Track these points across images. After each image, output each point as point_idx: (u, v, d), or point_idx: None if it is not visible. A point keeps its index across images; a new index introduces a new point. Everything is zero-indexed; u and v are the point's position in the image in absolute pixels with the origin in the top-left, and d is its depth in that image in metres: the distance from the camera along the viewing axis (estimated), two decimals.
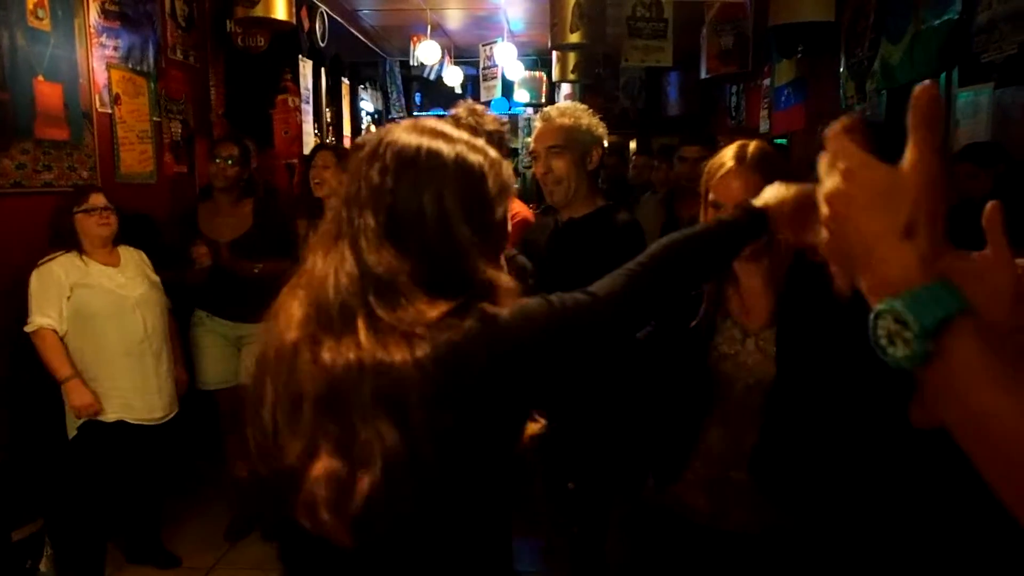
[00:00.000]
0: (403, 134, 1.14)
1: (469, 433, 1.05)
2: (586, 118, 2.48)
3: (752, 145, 1.68)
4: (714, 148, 1.95)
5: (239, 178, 3.69)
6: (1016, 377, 0.61)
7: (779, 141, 5.89)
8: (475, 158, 1.15)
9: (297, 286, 1.14)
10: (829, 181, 0.71)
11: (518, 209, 2.68)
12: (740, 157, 1.65)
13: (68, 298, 2.95)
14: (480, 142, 1.18)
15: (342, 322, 1.05)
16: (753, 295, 1.67)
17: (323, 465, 1.02)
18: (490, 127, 1.70)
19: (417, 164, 1.11)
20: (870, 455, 1.62)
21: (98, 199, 3.05)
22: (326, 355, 1.04)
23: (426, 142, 1.13)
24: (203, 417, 3.81)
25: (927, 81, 0.74)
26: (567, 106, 2.52)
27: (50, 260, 2.95)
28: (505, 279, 1.13)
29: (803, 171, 1.45)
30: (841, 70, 4.75)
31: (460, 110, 1.78)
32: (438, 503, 1.05)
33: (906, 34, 4.01)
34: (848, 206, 0.69)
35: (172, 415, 3.26)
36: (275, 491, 1.08)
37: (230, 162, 3.64)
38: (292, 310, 1.11)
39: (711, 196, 1.66)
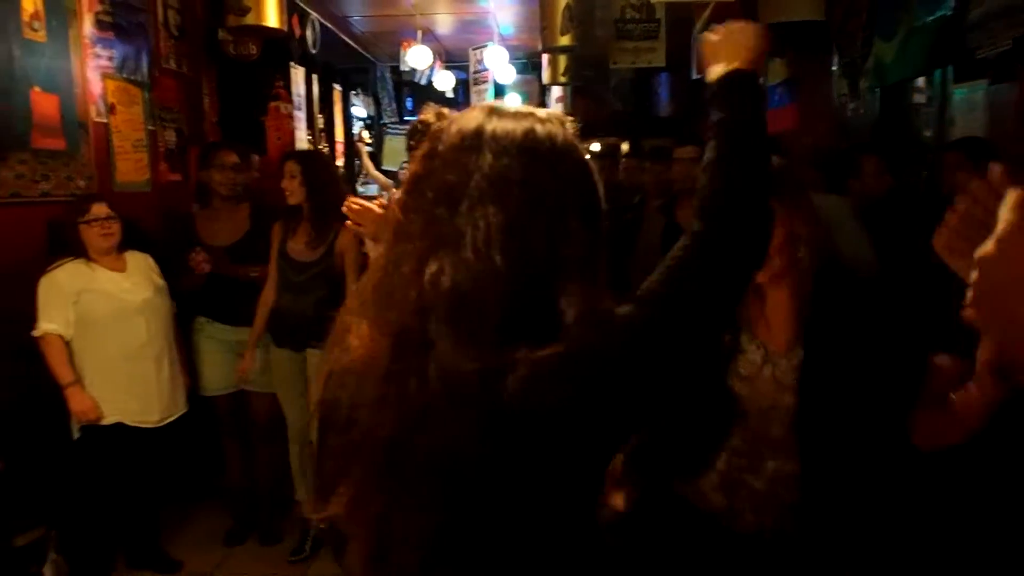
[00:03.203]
0: (501, 118, 0.97)
1: (529, 502, 0.90)
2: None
3: None
4: None
5: (240, 184, 3.71)
6: None
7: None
8: (583, 149, 1.00)
9: (366, 301, 0.97)
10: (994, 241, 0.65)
11: None
12: None
13: (75, 303, 2.99)
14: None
15: (413, 357, 0.89)
16: (778, 314, 1.65)
17: (362, 533, 0.93)
18: None
19: (541, 147, 0.95)
20: (893, 476, 1.64)
21: (100, 209, 3.08)
22: (394, 396, 0.89)
23: (534, 124, 0.97)
24: (202, 422, 3.81)
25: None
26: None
27: (57, 267, 3.00)
28: (607, 305, 0.94)
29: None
30: (834, 68, 4.78)
31: (428, 115, 1.74)
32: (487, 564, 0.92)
33: (899, 31, 4.03)
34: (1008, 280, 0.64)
35: (172, 417, 3.28)
36: (334, 531, 0.99)
37: (233, 169, 3.66)
38: (361, 335, 0.94)
39: None
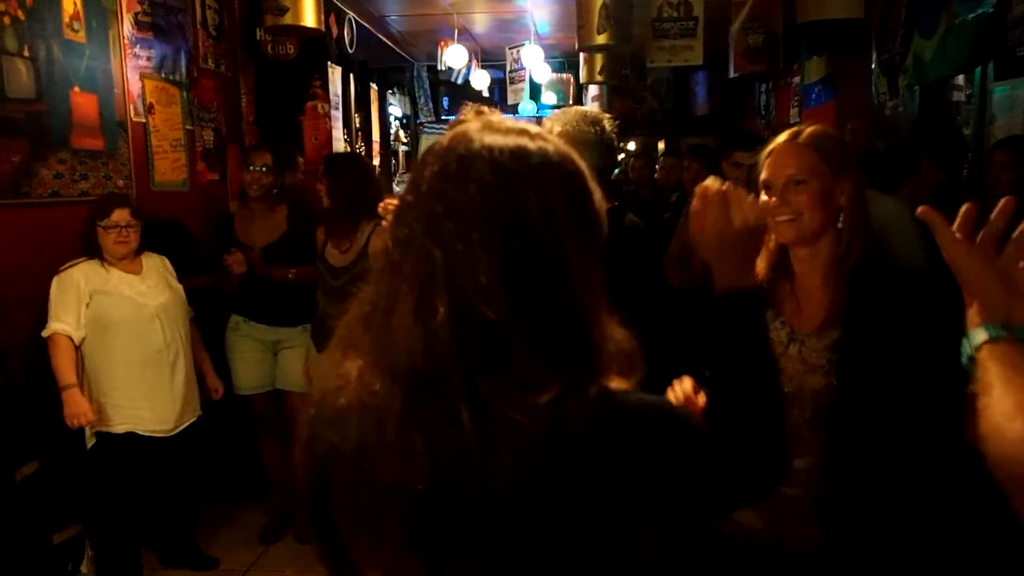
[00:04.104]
0: (491, 136, 0.91)
1: (573, 549, 0.86)
2: (583, 125, 2.30)
3: (810, 127, 1.63)
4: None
5: (272, 186, 3.74)
6: None
7: None
8: (580, 164, 0.95)
9: (353, 345, 0.91)
10: None
11: None
12: (795, 134, 1.61)
13: (87, 305, 2.93)
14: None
15: (436, 401, 0.83)
16: (809, 293, 1.59)
17: None
18: None
19: (527, 172, 0.89)
20: (935, 474, 1.55)
21: (121, 216, 2.99)
22: (421, 447, 0.82)
23: (525, 142, 0.91)
24: (237, 421, 3.85)
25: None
26: (567, 115, 2.35)
27: (71, 266, 2.94)
28: (620, 335, 0.93)
29: None
30: (872, 66, 4.70)
31: (467, 115, 1.75)
32: None
33: (939, 29, 3.95)
34: None
35: (188, 424, 3.20)
36: None
37: (264, 170, 3.68)
38: (358, 382, 0.88)
39: (763, 175, 1.60)
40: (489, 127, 0.92)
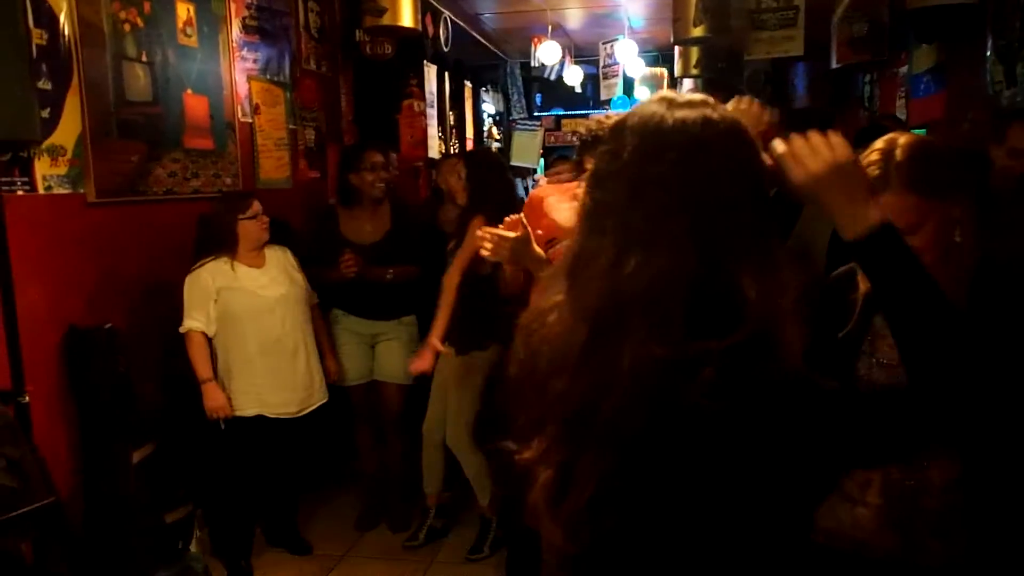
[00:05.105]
0: (680, 110, 1.03)
1: (679, 481, 0.99)
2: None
3: (899, 151, 1.43)
4: None
5: (388, 184, 3.81)
6: None
7: (918, 131, 5.61)
8: (752, 133, 1.06)
9: (560, 282, 1.08)
10: None
11: None
12: (884, 174, 1.42)
13: (215, 301, 3.15)
14: None
15: (613, 336, 0.98)
16: None
17: (547, 474, 1.07)
18: None
19: (716, 139, 1.01)
20: None
21: (258, 205, 3.26)
22: (587, 371, 1.00)
23: (709, 112, 1.03)
24: (337, 411, 3.96)
25: None
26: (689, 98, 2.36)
27: (200, 266, 3.17)
28: (780, 312, 0.99)
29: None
30: (988, 54, 4.48)
31: (592, 125, 1.81)
32: (651, 531, 1.03)
33: None
34: None
35: (313, 407, 3.40)
36: (518, 485, 1.12)
37: (384, 170, 3.77)
38: (557, 312, 1.07)
39: None
40: (674, 103, 1.04)
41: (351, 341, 3.80)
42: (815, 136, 1.10)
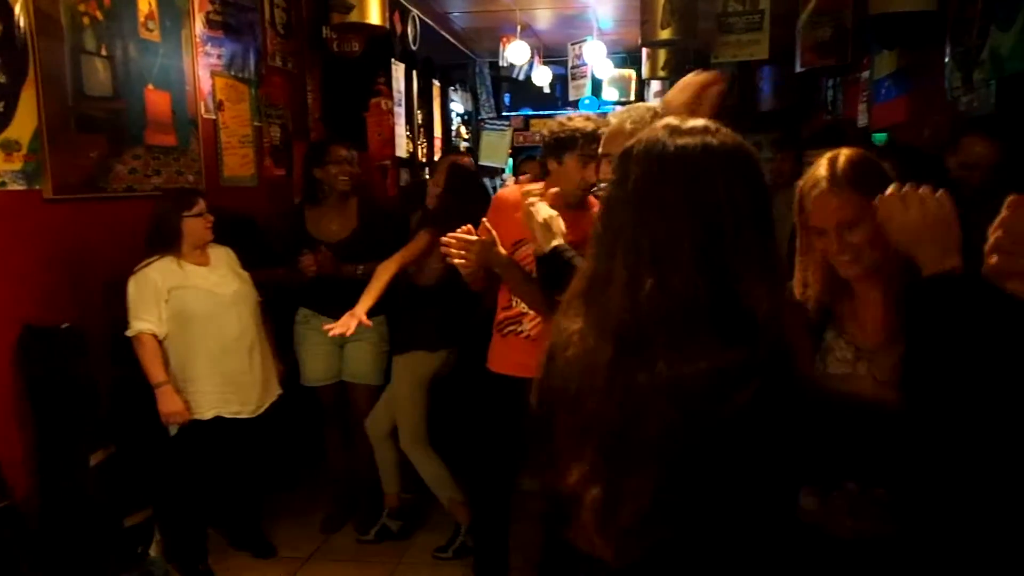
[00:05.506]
0: (681, 138, 1.11)
1: (737, 495, 1.06)
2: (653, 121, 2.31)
3: (842, 159, 1.57)
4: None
5: (355, 178, 3.79)
6: None
7: (879, 136, 5.68)
8: (751, 150, 1.14)
9: (577, 306, 1.14)
10: None
11: None
12: (832, 175, 1.55)
13: (166, 301, 3.04)
14: None
15: (639, 354, 1.04)
16: (870, 309, 1.57)
17: (596, 493, 1.09)
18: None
19: (716, 165, 1.09)
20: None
21: (203, 203, 3.16)
22: (621, 389, 1.05)
23: (709, 139, 1.11)
24: (304, 413, 3.92)
25: None
26: (637, 111, 2.33)
27: (146, 265, 3.04)
28: (778, 320, 1.08)
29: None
30: (947, 60, 4.55)
31: (578, 122, 1.88)
32: (697, 542, 1.09)
33: (1017, 20, 3.81)
34: None
35: (267, 405, 3.34)
36: (558, 508, 1.15)
37: (349, 164, 3.74)
38: (580, 334, 1.11)
39: (811, 221, 1.57)
40: (677, 131, 1.12)
41: (320, 341, 3.71)
42: (912, 195, 1.25)
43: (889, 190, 1.29)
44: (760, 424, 1.01)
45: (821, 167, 1.58)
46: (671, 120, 1.14)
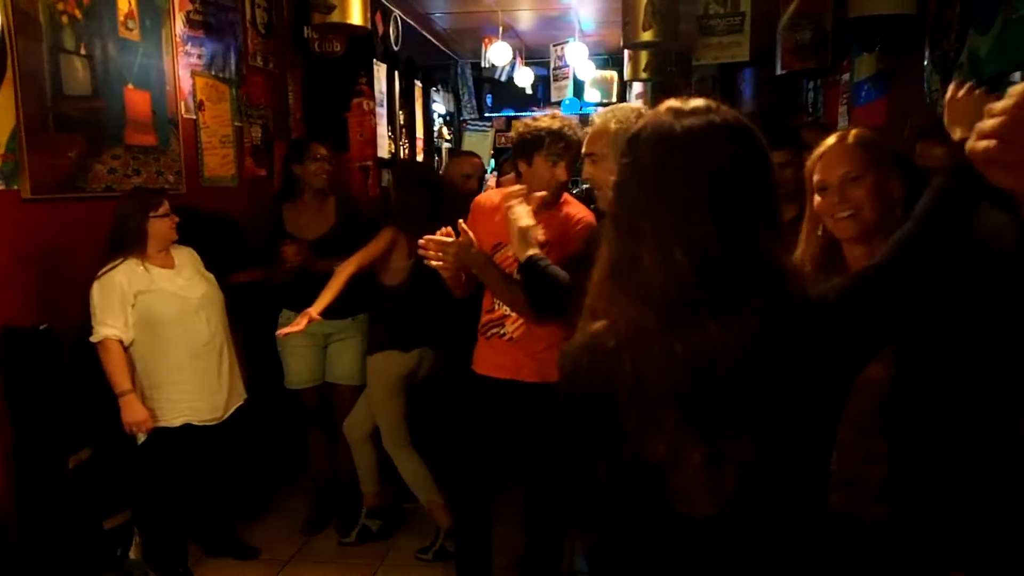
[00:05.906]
0: (687, 119, 1.18)
1: (809, 404, 1.16)
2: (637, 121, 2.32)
3: (853, 129, 1.72)
4: (801, 152, 1.97)
5: (331, 176, 3.79)
6: None
7: None
8: (752, 125, 1.20)
9: (607, 288, 1.19)
10: None
11: (583, 215, 2.65)
12: (842, 136, 1.70)
13: (132, 306, 2.95)
14: None
15: (689, 318, 1.11)
16: None
17: (696, 457, 1.12)
18: None
19: (722, 141, 1.15)
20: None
21: (167, 204, 3.07)
22: (681, 352, 1.10)
23: (713, 118, 1.18)
24: (287, 415, 3.90)
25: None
26: (621, 110, 2.35)
27: (111, 269, 2.94)
28: (792, 263, 1.23)
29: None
30: (925, 63, 4.59)
31: (548, 121, 2.03)
32: (799, 473, 1.19)
33: (995, 24, 3.85)
34: None
35: (235, 408, 3.29)
36: (642, 484, 1.18)
37: (326, 162, 3.74)
38: (618, 324, 1.15)
39: (817, 177, 1.68)
40: (681, 113, 1.18)
41: (303, 343, 3.70)
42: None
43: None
44: (818, 329, 1.13)
45: (832, 137, 1.73)
46: (673, 103, 1.21)
